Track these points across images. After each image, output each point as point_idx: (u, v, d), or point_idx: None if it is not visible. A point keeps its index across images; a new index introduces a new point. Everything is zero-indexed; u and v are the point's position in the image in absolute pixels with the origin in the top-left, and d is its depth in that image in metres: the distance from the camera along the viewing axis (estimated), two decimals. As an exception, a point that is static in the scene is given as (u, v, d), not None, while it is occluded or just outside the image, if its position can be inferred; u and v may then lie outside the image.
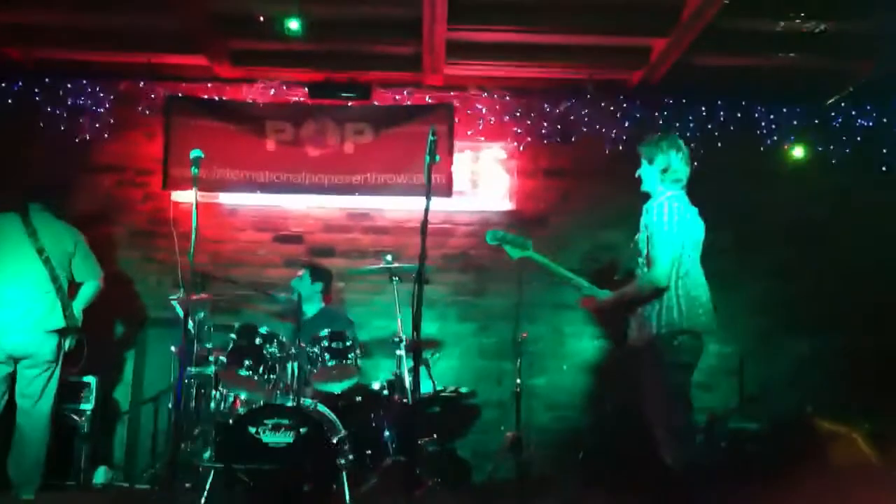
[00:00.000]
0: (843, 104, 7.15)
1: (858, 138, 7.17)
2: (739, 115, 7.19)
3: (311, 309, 6.38)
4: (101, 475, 6.33)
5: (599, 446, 6.35)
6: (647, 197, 4.65)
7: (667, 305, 4.38)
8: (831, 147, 7.17)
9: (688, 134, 7.07)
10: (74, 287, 5.89)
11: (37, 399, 5.64)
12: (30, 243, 5.71)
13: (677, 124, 7.11)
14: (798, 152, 7.14)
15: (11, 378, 5.65)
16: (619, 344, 4.78)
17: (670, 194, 4.52)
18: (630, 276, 4.61)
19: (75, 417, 6.20)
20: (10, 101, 7.04)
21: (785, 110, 7.21)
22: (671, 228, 4.37)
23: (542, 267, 4.77)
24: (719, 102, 7.18)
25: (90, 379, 6.32)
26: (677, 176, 4.57)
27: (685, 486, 4.20)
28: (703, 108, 7.17)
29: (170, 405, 5.83)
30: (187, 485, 5.41)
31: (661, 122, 7.07)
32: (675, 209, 4.43)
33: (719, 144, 7.10)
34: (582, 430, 6.76)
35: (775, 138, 7.19)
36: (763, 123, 7.21)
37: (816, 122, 7.20)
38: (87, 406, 6.29)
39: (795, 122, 7.19)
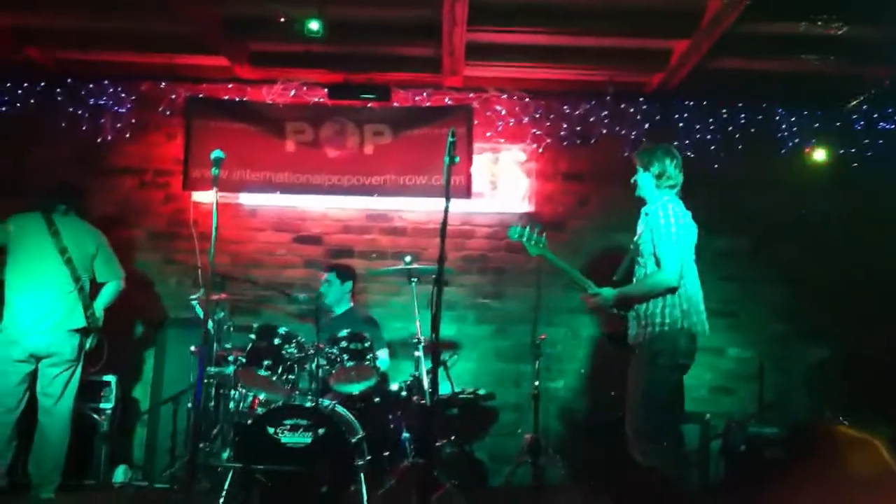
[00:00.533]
0: (864, 107, 7.09)
1: (880, 141, 7.11)
2: (760, 118, 7.16)
3: (339, 309, 6.41)
4: (120, 474, 6.37)
5: (611, 450, 6.33)
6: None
7: (670, 304, 4.56)
8: (852, 150, 7.13)
9: (708, 137, 7.08)
10: (96, 287, 5.94)
11: (58, 398, 5.69)
12: (52, 243, 5.76)
13: (697, 127, 7.09)
14: (819, 156, 7.08)
15: (33, 377, 5.70)
16: (618, 343, 4.86)
17: (667, 198, 4.71)
18: (629, 275, 4.87)
19: (95, 416, 6.25)
20: (32, 101, 7.10)
21: (805, 114, 7.18)
22: (677, 230, 4.56)
23: (553, 266, 5.03)
24: (739, 105, 7.15)
25: (110, 378, 6.38)
26: (672, 181, 4.78)
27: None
28: (724, 112, 7.14)
29: (189, 405, 5.85)
30: (206, 485, 5.43)
31: (680, 126, 7.05)
32: (677, 212, 4.63)
33: (739, 147, 7.08)
34: (598, 433, 6.73)
35: (796, 141, 7.14)
36: (783, 127, 7.17)
37: (837, 125, 7.16)
38: (108, 405, 6.35)
39: (816, 126, 7.15)
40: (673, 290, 4.51)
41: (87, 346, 5.85)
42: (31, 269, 5.72)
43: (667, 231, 4.53)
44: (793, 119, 7.15)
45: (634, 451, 4.52)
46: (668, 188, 4.76)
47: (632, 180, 4.89)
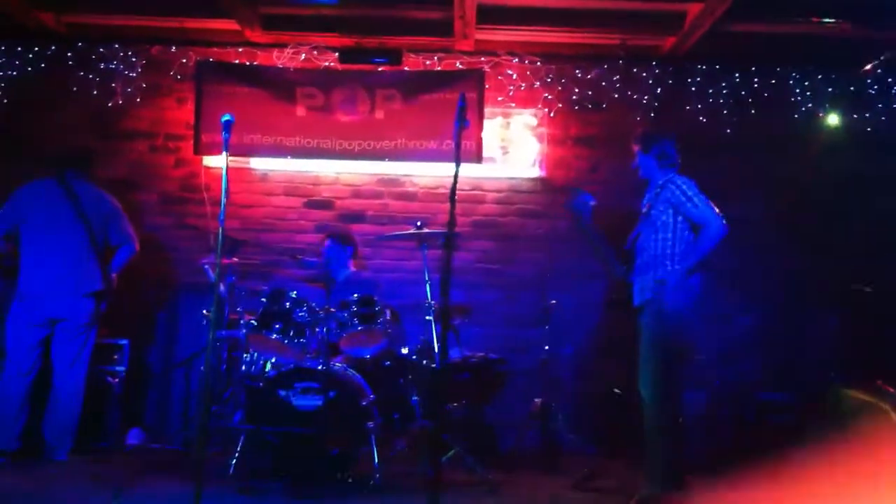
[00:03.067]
0: (878, 71, 7.01)
1: (894, 105, 7.05)
2: (773, 82, 7.10)
3: (340, 275, 6.42)
4: (133, 437, 6.44)
5: (621, 415, 6.36)
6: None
7: (670, 268, 4.78)
8: (866, 115, 7.07)
9: (721, 101, 7.03)
10: (109, 252, 5.97)
11: (73, 362, 5.74)
12: (70, 207, 5.79)
13: (710, 91, 7.04)
14: (832, 120, 7.03)
15: (47, 341, 5.75)
16: (622, 308, 4.97)
17: (671, 176, 4.95)
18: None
19: (109, 379, 6.29)
20: (42, 65, 7.11)
21: (819, 78, 7.11)
22: (699, 193, 4.80)
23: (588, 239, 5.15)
24: (752, 69, 7.09)
25: (123, 342, 6.44)
26: (672, 161, 5.03)
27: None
28: (737, 76, 7.08)
29: (201, 368, 5.89)
30: (218, 447, 5.49)
31: (692, 90, 7.00)
32: (690, 183, 4.86)
33: (752, 112, 7.03)
34: (608, 398, 6.75)
35: (809, 106, 7.09)
36: (797, 91, 7.12)
37: (851, 89, 7.09)
38: (121, 368, 6.40)
39: (830, 90, 7.09)
40: (727, 235, 4.73)
41: (102, 309, 5.89)
42: (50, 233, 5.74)
43: (693, 198, 4.77)
44: (806, 83, 7.09)
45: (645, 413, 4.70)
46: (670, 167, 5.01)
47: (633, 165, 5.13)
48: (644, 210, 5.05)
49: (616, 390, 6.10)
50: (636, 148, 5.13)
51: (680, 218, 4.81)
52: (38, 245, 5.73)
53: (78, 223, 5.78)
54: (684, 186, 4.82)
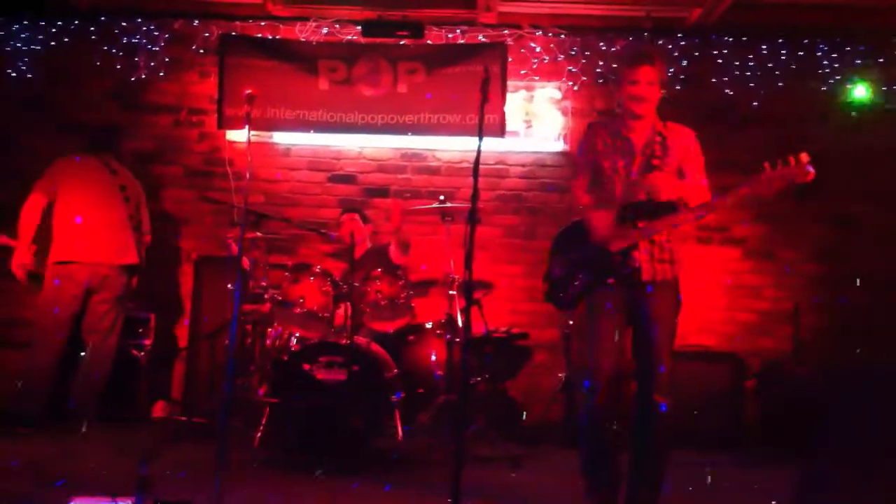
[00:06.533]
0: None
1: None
2: (801, 53, 7.00)
3: (362, 249, 6.43)
4: (159, 409, 6.52)
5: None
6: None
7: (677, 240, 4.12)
8: (895, 87, 6.95)
9: (747, 74, 6.95)
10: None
11: (106, 334, 5.82)
12: (112, 180, 5.89)
13: (736, 64, 6.96)
14: (861, 91, 6.93)
15: (79, 316, 5.80)
16: (625, 280, 4.02)
17: None
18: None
19: (135, 353, 6.35)
20: (66, 40, 7.12)
21: (848, 49, 7.00)
22: None
23: None
24: (779, 41, 7.00)
25: (149, 315, 6.52)
26: None
27: None
28: (764, 48, 6.99)
29: (226, 342, 5.92)
30: (243, 420, 5.53)
31: (719, 62, 6.92)
32: None
33: (780, 84, 6.95)
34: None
35: (838, 77, 6.99)
36: (825, 62, 7.01)
37: (881, 60, 6.98)
38: (147, 342, 6.47)
39: (858, 62, 6.98)
40: None
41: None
42: (89, 206, 5.80)
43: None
44: (835, 55, 6.98)
45: (661, 388, 3.96)
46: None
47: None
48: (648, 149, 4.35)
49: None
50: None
51: None
52: (78, 212, 5.78)
53: (119, 196, 5.88)
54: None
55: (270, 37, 7.14)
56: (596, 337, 4.04)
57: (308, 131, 7.03)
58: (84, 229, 5.75)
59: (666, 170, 4.01)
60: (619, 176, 4.04)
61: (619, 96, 4.16)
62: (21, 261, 5.73)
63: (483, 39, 7.10)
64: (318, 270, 5.48)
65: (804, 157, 3.90)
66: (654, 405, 3.91)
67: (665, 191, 3.90)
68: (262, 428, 5.20)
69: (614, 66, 6.97)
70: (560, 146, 7.12)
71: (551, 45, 7.10)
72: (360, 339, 5.38)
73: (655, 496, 3.94)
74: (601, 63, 7.07)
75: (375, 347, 5.44)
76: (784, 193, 3.84)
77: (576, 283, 4.15)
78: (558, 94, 7.14)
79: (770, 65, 6.98)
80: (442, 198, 5.98)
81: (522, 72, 7.09)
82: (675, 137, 4.10)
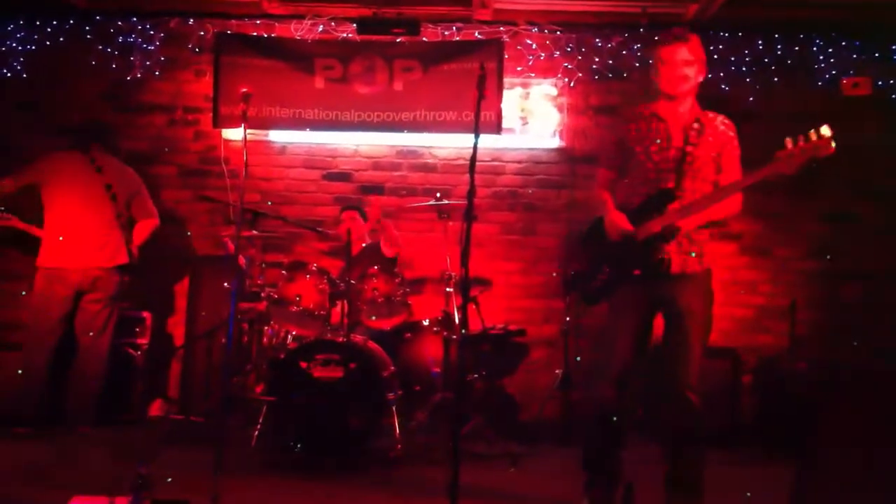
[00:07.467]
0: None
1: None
2: (796, 49, 6.99)
3: (359, 247, 6.42)
4: (156, 408, 6.50)
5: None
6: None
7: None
8: (891, 82, 6.96)
9: (743, 69, 6.94)
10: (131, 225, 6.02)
11: (98, 334, 5.79)
12: (97, 180, 5.83)
13: (732, 59, 6.95)
14: (857, 88, 6.92)
15: (72, 314, 5.79)
16: (653, 272, 3.95)
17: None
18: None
19: (131, 352, 6.34)
20: (61, 39, 7.09)
21: (843, 44, 6.99)
22: None
23: None
24: (775, 36, 6.99)
25: (145, 314, 6.51)
26: None
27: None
28: (760, 43, 6.99)
29: (223, 340, 5.92)
30: (240, 419, 5.53)
31: (715, 57, 6.91)
32: None
33: (775, 80, 6.95)
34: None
35: (834, 73, 6.98)
36: (821, 58, 7.00)
37: (876, 56, 6.98)
38: (143, 341, 6.46)
39: (854, 57, 6.98)
40: None
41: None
42: (79, 204, 5.78)
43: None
44: (830, 50, 6.97)
45: (690, 389, 3.87)
46: None
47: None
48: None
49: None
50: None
51: None
52: (65, 217, 5.77)
53: (105, 196, 5.82)
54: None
55: (266, 35, 7.12)
56: (616, 329, 4.04)
57: (304, 129, 7.01)
58: (71, 236, 5.73)
59: (700, 158, 3.95)
60: (652, 161, 3.99)
61: (653, 80, 4.10)
62: None
63: (479, 36, 7.08)
64: (314, 268, 5.48)
65: (826, 129, 3.80)
66: (685, 400, 3.86)
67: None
68: (259, 426, 5.20)
69: (610, 62, 6.99)
70: (556, 143, 7.11)
71: (547, 42, 7.09)
72: (357, 337, 5.38)
73: (698, 499, 3.86)
74: (597, 59, 7.05)
75: (372, 345, 5.43)
76: (806, 167, 3.80)
77: (601, 276, 4.11)
78: (554, 91, 7.13)
79: (766, 60, 6.98)
80: (438, 195, 5.99)
81: (518, 68, 7.07)
82: (715, 127, 4.04)
